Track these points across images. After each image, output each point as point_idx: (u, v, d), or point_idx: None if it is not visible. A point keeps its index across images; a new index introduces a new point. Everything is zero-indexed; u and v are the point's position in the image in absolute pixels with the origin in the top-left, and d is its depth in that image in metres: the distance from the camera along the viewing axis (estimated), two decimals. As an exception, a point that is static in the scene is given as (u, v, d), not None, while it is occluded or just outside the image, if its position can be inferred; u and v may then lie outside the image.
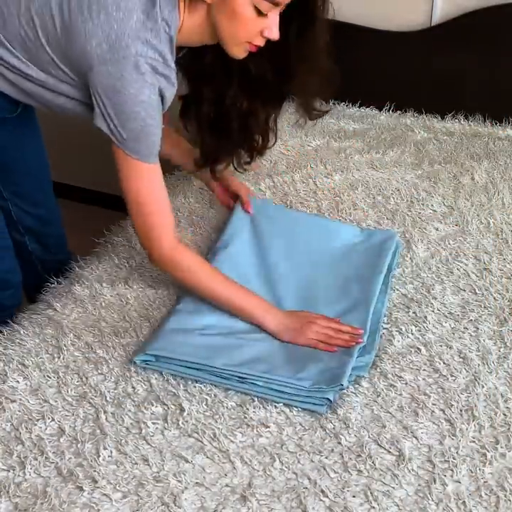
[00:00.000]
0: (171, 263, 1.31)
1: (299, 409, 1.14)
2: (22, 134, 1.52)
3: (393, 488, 1.01)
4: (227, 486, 1.02)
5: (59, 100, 1.28)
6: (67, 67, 1.21)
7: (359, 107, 2.25)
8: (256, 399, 1.16)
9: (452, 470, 1.03)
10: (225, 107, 1.35)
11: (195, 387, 1.19)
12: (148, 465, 1.05)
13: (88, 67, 1.17)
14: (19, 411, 1.15)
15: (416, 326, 1.32)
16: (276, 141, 1.47)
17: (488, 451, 1.06)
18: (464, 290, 1.42)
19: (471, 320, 1.33)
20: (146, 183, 1.26)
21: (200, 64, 1.33)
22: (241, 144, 1.43)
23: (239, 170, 1.48)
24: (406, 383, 1.19)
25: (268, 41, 1.22)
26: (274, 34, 1.20)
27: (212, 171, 1.49)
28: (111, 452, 1.07)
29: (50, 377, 1.21)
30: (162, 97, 1.20)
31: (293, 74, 1.33)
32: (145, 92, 1.16)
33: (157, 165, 1.26)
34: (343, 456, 1.06)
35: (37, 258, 1.72)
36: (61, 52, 1.20)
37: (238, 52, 1.24)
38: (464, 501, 0.98)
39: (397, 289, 1.42)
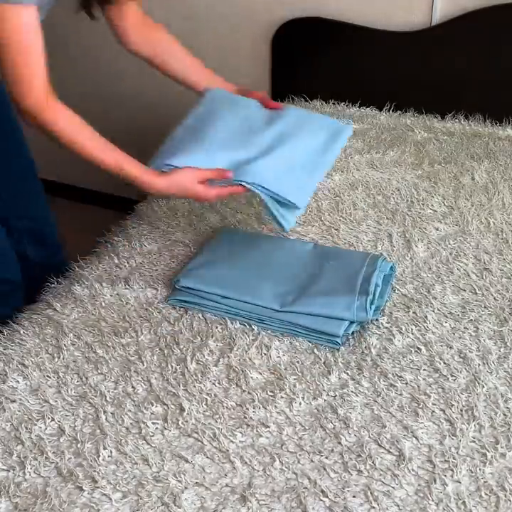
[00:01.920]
0: (41, 112, 1.27)
1: (301, 403, 1.15)
2: (3, 133, 1.51)
3: (393, 488, 1.01)
4: (227, 486, 1.02)
5: None
6: None
7: (359, 107, 2.25)
8: (256, 399, 1.16)
9: (452, 470, 1.03)
10: None
11: (194, 387, 1.19)
12: (148, 465, 1.05)
13: None
14: (19, 411, 1.15)
15: (416, 326, 1.32)
16: None
17: (488, 451, 1.06)
18: (464, 290, 1.42)
19: (471, 320, 1.33)
20: (12, 26, 1.19)
21: None
22: None
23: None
24: (406, 383, 1.19)
25: None
26: None
27: (90, 14, 1.45)
28: (111, 452, 1.07)
29: (50, 377, 1.22)
30: None
31: None
32: None
33: (28, 7, 1.19)
34: (343, 456, 1.06)
35: (34, 263, 1.72)
36: None
37: None
38: (464, 501, 0.98)
39: (397, 289, 1.42)
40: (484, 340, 1.28)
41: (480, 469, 1.03)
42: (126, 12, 1.54)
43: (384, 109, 2.22)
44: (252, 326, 1.32)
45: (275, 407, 1.15)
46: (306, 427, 1.11)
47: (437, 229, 1.62)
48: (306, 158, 1.47)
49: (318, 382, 1.20)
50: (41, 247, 1.74)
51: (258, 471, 1.04)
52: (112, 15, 1.54)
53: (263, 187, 1.38)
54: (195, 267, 1.43)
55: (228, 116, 1.50)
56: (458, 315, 1.35)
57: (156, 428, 1.11)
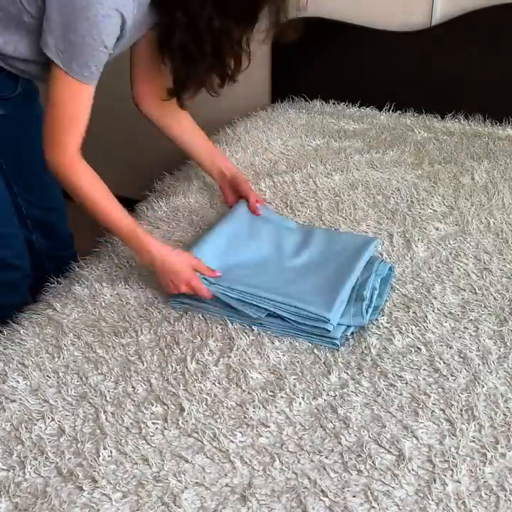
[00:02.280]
0: (68, 172, 1.33)
1: (301, 403, 1.15)
2: (28, 121, 1.54)
3: (393, 488, 1.01)
4: (227, 486, 1.02)
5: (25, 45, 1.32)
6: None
7: (359, 107, 2.26)
8: (256, 399, 1.16)
9: (452, 470, 1.03)
10: (200, 30, 1.32)
11: (194, 387, 1.19)
12: (148, 465, 1.05)
13: None
14: (19, 411, 1.15)
15: (416, 326, 1.32)
16: (249, 63, 1.45)
17: (488, 451, 1.06)
18: (464, 290, 1.42)
19: (471, 320, 1.33)
20: (69, 95, 1.28)
21: None
22: (213, 68, 1.41)
23: (211, 93, 1.46)
24: (406, 383, 1.19)
25: None
26: None
27: (180, 99, 1.48)
28: (111, 452, 1.07)
29: (50, 377, 1.22)
30: (122, 21, 1.23)
31: None
32: (91, 9, 1.18)
33: (88, 87, 1.29)
34: (343, 456, 1.06)
35: (45, 256, 1.73)
36: None
37: None
38: (464, 501, 0.98)
39: (397, 289, 1.42)
40: (484, 340, 1.28)
41: (480, 469, 1.03)
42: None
43: (384, 109, 2.22)
44: (252, 326, 1.32)
45: (275, 407, 1.15)
46: (306, 427, 1.11)
47: (437, 229, 1.62)
48: (323, 278, 1.42)
49: (318, 382, 1.20)
50: (51, 239, 1.75)
51: (258, 471, 1.04)
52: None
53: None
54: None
55: (264, 242, 1.52)
56: (458, 315, 1.35)
57: (156, 428, 1.11)
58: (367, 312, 1.32)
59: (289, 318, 1.30)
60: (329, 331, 1.27)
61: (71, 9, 1.19)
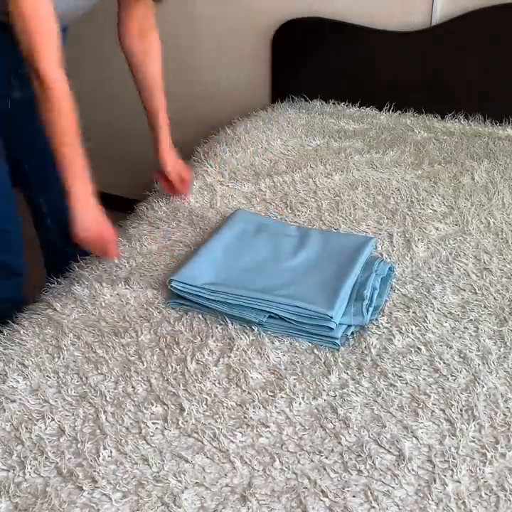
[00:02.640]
0: (47, 88, 1.36)
1: (301, 403, 1.15)
2: (36, 122, 1.54)
3: (393, 488, 1.01)
4: (227, 486, 1.02)
5: None
6: None
7: (359, 107, 2.26)
8: (256, 399, 1.16)
9: (452, 470, 1.03)
10: None
11: (194, 387, 1.19)
12: (148, 465, 1.05)
13: None
14: (19, 411, 1.15)
15: (416, 326, 1.32)
16: None
17: (488, 451, 1.06)
18: (464, 290, 1.42)
19: (471, 320, 1.33)
20: (33, 2, 1.32)
21: None
22: None
23: None
24: (406, 383, 1.19)
25: None
26: None
27: None
28: (111, 452, 1.07)
29: (50, 377, 1.22)
30: None
31: None
32: None
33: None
34: (343, 456, 1.06)
35: (60, 252, 1.72)
36: None
37: None
38: (464, 501, 0.98)
39: (397, 289, 1.42)
40: (484, 340, 1.28)
41: (480, 469, 1.03)
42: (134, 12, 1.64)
43: (384, 109, 2.22)
44: (252, 326, 1.32)
45: (275, 407, 1.15)
46: (306, 427, 1.11)
47: (437, 229, 1.62)
48: (322, 278, 1.42)
49: (318, 382, 1.20)
50: (67, 236, 1.76)
51: (258, 471, 1.04)
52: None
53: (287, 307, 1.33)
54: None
55: (261, 246, 1.52)
56: (458, 315, 1.35)
57: (156, 428, 1.11)
58: (367, 311, 1.32)
59: (290, 319, 1.30)
60: (332, 328, 1.27)
61: None
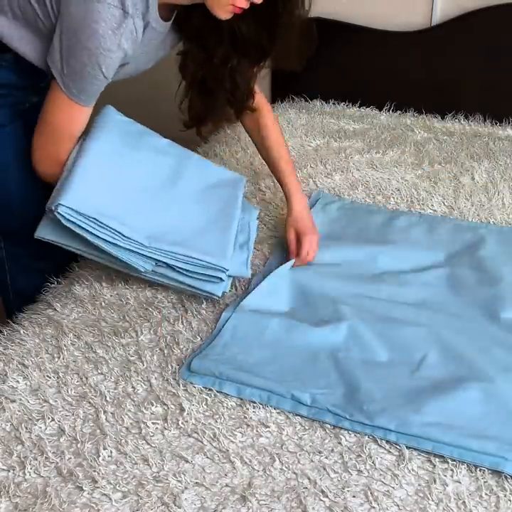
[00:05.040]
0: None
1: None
2: None
3: (393, 488, 1.01)
4: (227, 486, 1.02)
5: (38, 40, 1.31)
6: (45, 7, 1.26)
7: (359, 107, 2.26)
8: (256, 399, 1.16)
9: (452, 470, 1.03)
10: (214, 66, 1.38)
11: (194, 387, 1.19)
12: (148, 465, 1.05)
13: (59, 8, 1.23)
14: (19, 411, 1.15)
15: (416, 326, 1.32)
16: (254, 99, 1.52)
17: (488, 451, 1.06)
18: (464, 290, 1.42)
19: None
20: (66, 115, 1.31)
21: (190, 24, 1.36)
22: (229, 103, 1.48)
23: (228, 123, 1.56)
24: (406, 383, 1.19)
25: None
26: None
27: (199, 132, 1.53)
28: (111, 452, 1.07)
29: (50, 377, 1.21)
30: (125, 54, 1.24)
31: (279, 32, 1.35)
32: (93, 42, 1.20)
33: (85, 109, 1.30)
34: (343, 456, 1.06)
35: None
36: None
37: (223, 14, 1.26)
38: (464, 501, 0.98)
39: (397, 289, 1.42)
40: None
41: (480, 469, 1.03)
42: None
43: (384, 109, 2.22)
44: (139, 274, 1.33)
45: (275, 407, 1.15)
46: (306, 427, 1.11)
47: (437, 229, 1.61)
48: (212, 217, 1.40)
49: (318, 382, 1.20)
50: None
51: (258, 471, 1.04)
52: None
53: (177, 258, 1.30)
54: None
55: (142, 165, 1.41)
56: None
57: (156, 428, 1.11)
58: (247, 264, 1.36)
59: (181, 268, 1.29)
60: (223, 280, 1.29)
61: (74, 36, 1.21)
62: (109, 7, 1.18)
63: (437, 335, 1.23)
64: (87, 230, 1.25)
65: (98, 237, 1.26)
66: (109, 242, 1.27)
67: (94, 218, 1.24)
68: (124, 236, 1.26)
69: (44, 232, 1.29)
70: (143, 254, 1.29)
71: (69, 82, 1.25)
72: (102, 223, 1.24)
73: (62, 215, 1.23)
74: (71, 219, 1.23)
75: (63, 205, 1.22)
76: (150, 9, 1.25)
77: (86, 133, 1.38)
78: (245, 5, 1.23)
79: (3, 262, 1.59)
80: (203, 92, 1.44)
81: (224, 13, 1.25)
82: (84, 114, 1.32)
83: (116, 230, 1.25)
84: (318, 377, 1.16)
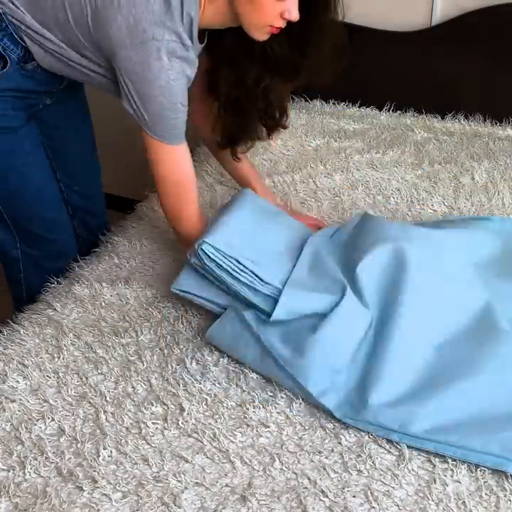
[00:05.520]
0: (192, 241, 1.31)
1: (301, 403, 1.15)
2: (73, 110, 1.57)
3: (393, 488, 1.01)
4: (227, 486, 1.02)
5: (96, 79, 1.33)
6: (95, 51, 1.26)
7: (359, 107, 2.25)
8: (256, 399, 1.16)
9: (452, 470, 1.03)
10: (247, 87, 1.38)
11: (194, 387, 1.19)
12: (148, 465, 1.05)
13: (112, 52, 1.22)
14: (19, 411, 1.15)
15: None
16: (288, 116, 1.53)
17: (488, 451, 1.06)
18: (464, 290, 1.41)
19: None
20: (169, 165, 1.32)
21: (222, 46, 1.36)
22: (262, 122, 1.49)
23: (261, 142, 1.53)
24: (406, 383, 1.19)
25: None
26: (294, 15, 1.22)
27: (234, 152, 1.54)
28: (111, 452, 1.07)
29: (50, 377, 1.22)
30: (188, 80, 1.25)
31: (311, 49, 1.35)
32: (162, 77, 1.20)
33: (182, 146, 1.31)
34: (343, 456, 1.06)
35: (82, 241, 1.73)
36: (89, 36, 1.25)
37: (260, 35, 1.27)
38: (464, 501, 0.98)
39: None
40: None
41: (480, 469, 1.03)
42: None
43: (384, 109, 2.22)
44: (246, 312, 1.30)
45: (275, 407, 1.15)
46: (306, 427, 1.11)
47: (437, 229, 1.61)
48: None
49: (318, 382, 1.19)
50: (87, 226, 1.74)
51: (258, 471, 1.04)
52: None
53: None
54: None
55: (282, 232, 1.39)
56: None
57: (156, 428, 1.11)
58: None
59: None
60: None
61: (142, 80, 1.21)
62: (168, 43, 1.19)
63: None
64: (227, 271, 1.24)
65: (238, 279, 1.24)
66: (248, 285, 1.24)
67: (236, 259, 1.24)
68: (262, 280, 1.23)
69: (180, 285, 1.30)
70: (272, 298, 1.22)
71: (155, 127, 1.26)
72: (242, 265, 1.24)
73: (205, 253, 1.24)
74: (213, 257, 1.24)
75: (207, 243, 1.24)
76: (193, 34, 1.26)
77: (225, 207, 1.40)
78: (283, 24, 1.24)
79: (18, 263, 1.59)
80: (236, 112, 1.43)
81: (262, 35, 1.26)
82: (183, 151, 1.32)
83: (254, 273, 1.23)
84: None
